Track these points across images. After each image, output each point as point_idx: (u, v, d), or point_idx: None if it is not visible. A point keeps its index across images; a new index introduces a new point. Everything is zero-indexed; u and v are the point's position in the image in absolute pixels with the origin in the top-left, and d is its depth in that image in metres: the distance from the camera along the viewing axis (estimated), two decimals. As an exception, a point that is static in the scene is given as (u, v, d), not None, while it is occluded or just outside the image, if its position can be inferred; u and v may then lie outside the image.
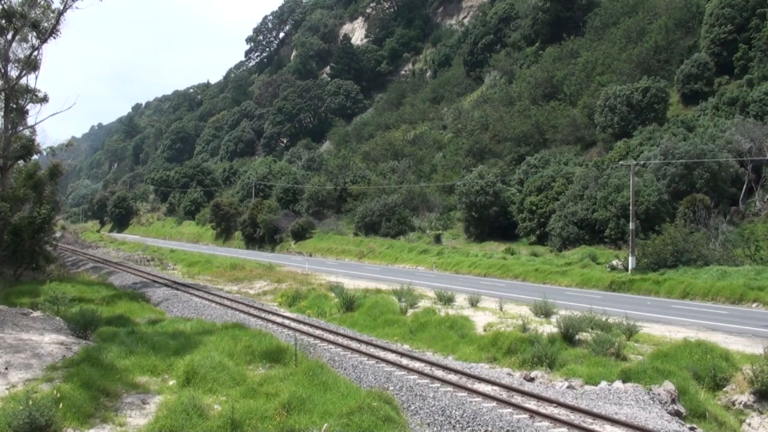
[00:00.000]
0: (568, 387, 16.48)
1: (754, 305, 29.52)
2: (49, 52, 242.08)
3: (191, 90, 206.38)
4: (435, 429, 13.91)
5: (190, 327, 19.56)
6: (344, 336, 22.27)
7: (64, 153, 58.26)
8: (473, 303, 27.81)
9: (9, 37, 34.41)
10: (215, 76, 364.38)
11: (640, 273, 36.39)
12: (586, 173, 48.91)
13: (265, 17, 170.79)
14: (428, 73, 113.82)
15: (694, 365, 17.46)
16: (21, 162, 37.17)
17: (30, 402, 10.50)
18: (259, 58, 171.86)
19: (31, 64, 34.98)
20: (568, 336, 20.28)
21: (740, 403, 16.37)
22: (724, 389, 17.03)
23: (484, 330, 22.44)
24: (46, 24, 34.72)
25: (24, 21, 33.77)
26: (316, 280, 37.95)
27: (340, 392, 13.20)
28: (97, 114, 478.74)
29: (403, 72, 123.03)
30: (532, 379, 17.50)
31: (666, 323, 24.56)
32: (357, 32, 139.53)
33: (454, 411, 14.32)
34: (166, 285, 36.87)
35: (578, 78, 69.45)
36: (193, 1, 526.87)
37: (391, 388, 15.98)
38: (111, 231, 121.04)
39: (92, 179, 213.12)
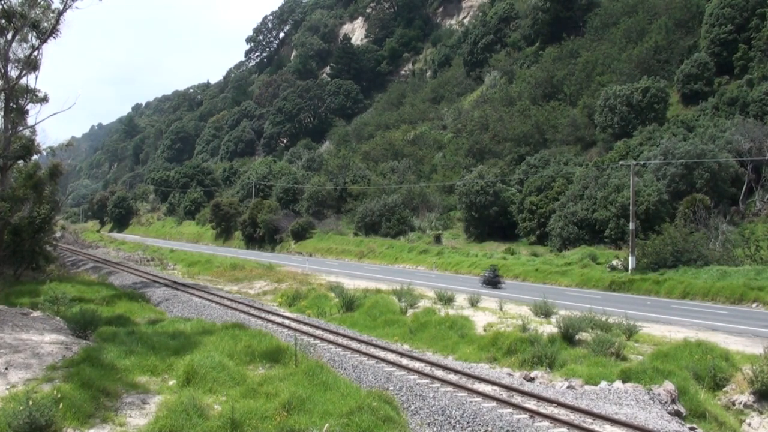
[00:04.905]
0: (568, 387, 16.47)
1: (754, 305, 29.52)
2: (49, 52, 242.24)
3: (191, 90, 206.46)
4: (435, 429, 13.91)
5: (190, 327, 19.56)
6: (344, 336, 22.27)
7: (64, 153, 58.28)
8: (473, 303, 27.82)
9: (9, 37, 34.40)
10: (215, 76, 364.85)
11: (640, 273, 36.39)
12: (586, 173, 48.92)
13: (265, 17, 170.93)
14: (428, 73, 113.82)
15: (694, 365, 17.46)
16: (21, 162, 37.11)
17: (30, 402, 10.50)
18: (259, 58, 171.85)
19: (31, 64, 34.97)
20: (568, 336, 20.28)
21: (740, 403, 16.37)
22: (724, 389, 17.03)
23: (484, 330, 22.44)
24: (46, 24, 34.71)
25: (24, 21, 33.75)
26: (316, 280, 37.94)
27: (340, 392, 13.20)
28: (97, 114, 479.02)
29: (403, 72, 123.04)
30: (532, 379, 17.49)
31: (666, 323, 24.57)
32: (357, 32, 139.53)
33: (454, 411, 14.32)
34: (166, 285, 36.86)
35: (578, 78, 69.46)
36: (194, 2, 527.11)
37: (391, 388, 15.97)
38: (111, 231, 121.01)
39: (92, 179, 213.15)
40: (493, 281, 37.12)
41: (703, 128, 48.81)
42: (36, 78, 41.70)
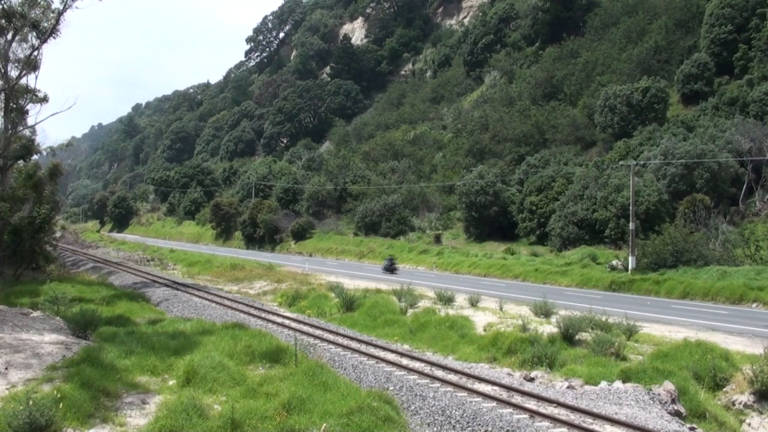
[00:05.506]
0: (568, 387, 16.47)
1: (754, 305, 29.52)
2: (49, 52, 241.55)
3: (191, 90, 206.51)
4: (435, 429, 13.91)
5: (190, 327, 19.54)
6: (344, 336, 22.26)
7: (64, 153, 58.31)
8: (473, 303, 27.82)
9: (9, 37, 34.46)
10: (215, 76, 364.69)
11: (640, 273, 36.38)
12: (586, 173, 48.93)
13: (265, 17, 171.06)
14: (428, 73, 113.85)
15: (694, 365, 17.45)
16: (21, 162, 37.17)
17: (30, 402, 10.50)
18: (259, 58, 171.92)
19: (31, 64, 35.01)
20: (568, 336, 20.27)
21: (740, 403, 16.35)
22: (724, 389, 17.02)
23: (484, 330, 22.44)
24: (46, 24, 34.78)
25: (24, 21, 33.81)
26: (316, 280, 37.94)
27: (340, 392, 13.20)
28: (97, 114, 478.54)
29: (403, 72, 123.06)
30: (532, 379, 17.49)
31: (666, 323, 24.56)
32: (357, 32, 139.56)
33: (454, 411, 14.32)
34: (166, 285, 36.86)
35: (578, 78, 69.49)
36: (194, 2, 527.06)
37: (391, 388, 15.98)
38: (111, 231, 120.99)
39: (92, 179, 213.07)
40: (390, 269, 45.75)
41: (703, 128, 48.82)
42: (36, 78, 41.85)
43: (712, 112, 52.85)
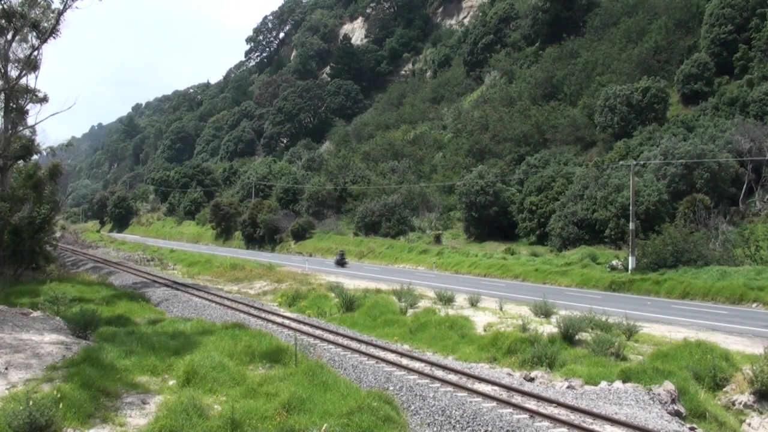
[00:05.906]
0: (568, 387, 16.47)
1: (754, 305, 29.52)
2: (50, 52, 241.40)
3: (191, 90, 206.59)
4: (435, 429, 13.91)
5: (190, 327, 19.53)
6: (344, 336, 22.27)
7: (64, 153, 58.36)
8: (473, 303, 27.81)
9: (9, 37, 34.46)
10: (215, 76, 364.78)
11: (640, 273, 36.37)
12: (586, 173, 48.93)
13: (265, 17, 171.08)
14: (428, 73, 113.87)
15: (694, 365, 17.45)
16: (21, 162, 37.19)
17: (30, 402, 10.49)
18: (259, 58, 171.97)
19: (31, 64, 35.01)
20: (568, 336, 20.27)
21: (740, 403, 16.36)
22: (724, 389, 17.02)
23: (484, 330, 22.43)
24: (46, 24, 34.77)
25: (24, 21, 33.81)
26: (316, 280, 37.94)
27: (340, 392, 13.19)
28: (97, 114, 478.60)
29: (403, 72, 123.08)
30: (532, 379, 17.49)
31: (666, 323, 24.56)
32: (357, 32, 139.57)
33: (454, 411, 14.32)
34: (166, 285, 36.86)
35: (578, 78, 69.49)
36: (194, 2, 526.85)
37: (391, 388, 15.98)
38: (111, 231, 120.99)
39: (92, 179, 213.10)
40: (341, 262, 50.10)
41: (703, 128, 48.84)
42: (36, 78, 41.82)
43: (712, 112, 52.86)
